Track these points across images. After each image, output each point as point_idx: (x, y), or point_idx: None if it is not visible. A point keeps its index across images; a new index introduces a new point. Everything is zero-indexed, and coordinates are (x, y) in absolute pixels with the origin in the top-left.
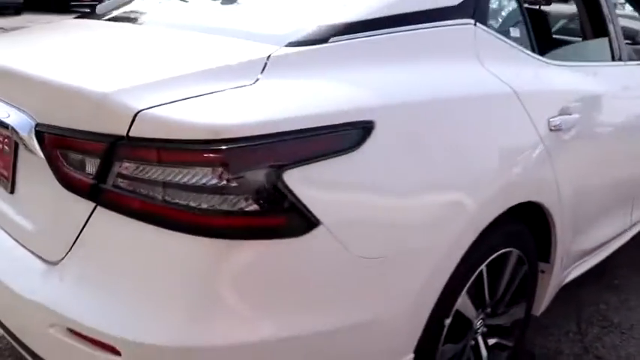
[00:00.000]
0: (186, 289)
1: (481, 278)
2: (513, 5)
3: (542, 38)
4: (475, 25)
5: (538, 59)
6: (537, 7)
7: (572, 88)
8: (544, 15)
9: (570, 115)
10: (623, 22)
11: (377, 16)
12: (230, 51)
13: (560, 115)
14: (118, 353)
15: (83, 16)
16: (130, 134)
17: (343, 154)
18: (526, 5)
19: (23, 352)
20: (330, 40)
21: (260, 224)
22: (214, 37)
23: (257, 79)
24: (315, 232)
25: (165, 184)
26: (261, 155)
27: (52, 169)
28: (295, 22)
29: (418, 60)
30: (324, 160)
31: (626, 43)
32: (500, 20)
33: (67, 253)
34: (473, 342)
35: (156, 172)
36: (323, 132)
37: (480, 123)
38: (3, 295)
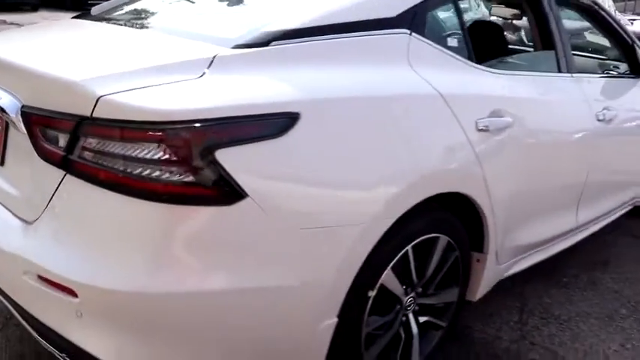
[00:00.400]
0: (134, 245)
1: (407, 258)
2: (453, 18)
3: (497, 49)
4: (410, 34)
5: (473, 66)
6: (510, 20)
7: (505, 94)
8: (499, 28)
9: (502, 117)
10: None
11: (317, 24)
12: (184, 50)
13: (489, 117)
14: (75, 295)
15: (79, 16)
16: (93, 115)
17: (271, 139)
18: (488, 18)
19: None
20: (271, 44)
21: (196, 193)
22: (175, 38)
23: (203, 74)
24: (242, 203)
25: (121, 157)
26: (197, 136)
27: (32, 143)
28: (244, 27)
29: (351, 63)
30: (253, 142)
31: (598, 57)
32: (438, 31)
33: (41, 214)
34: (404, 318)
35: (113, 147)
36: (253, 119)
37: (402, 119)
38: None
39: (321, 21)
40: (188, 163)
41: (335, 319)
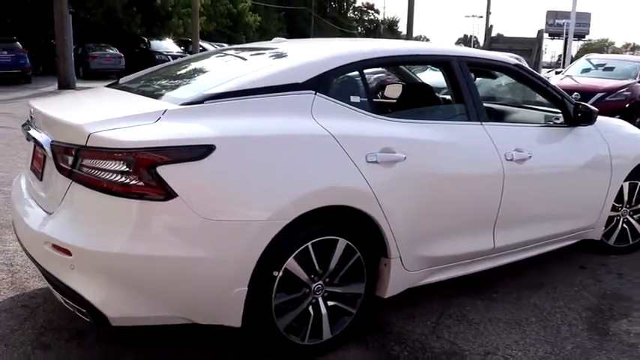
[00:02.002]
0: (106, 223)
1: (309, 252)
2: (357, 81)
3: (407, 103)
4: (315, 94)
5: (371, 116)
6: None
7: (400, 137)
8: (427, 86)
9: (394, 153)
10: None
11: (242, 88)
12: (150, 106)
13: (381, 152)
14: (70, 254)
15: (109, 85)
16: (87, 144)
17: (194, 161)
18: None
19: (32, 261)
20: (205, 102)
21: (146, 192)
22: (147, 99)
23: (157, 120)
24: (175, 200)
25: (103, 170)
26: (145, 158)
27: (54, 163)
28: (192, 91)
29: (265, 115)
30: (182, 162)
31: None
32: (342, 91)
33: (57, 207)
34: (314, 300)
35: (98, 164)
36: (182, 148)
37: (299, 151)
38: (27, 230)
39: (245, 86)
40: (140, 174)
41: (245, 288)
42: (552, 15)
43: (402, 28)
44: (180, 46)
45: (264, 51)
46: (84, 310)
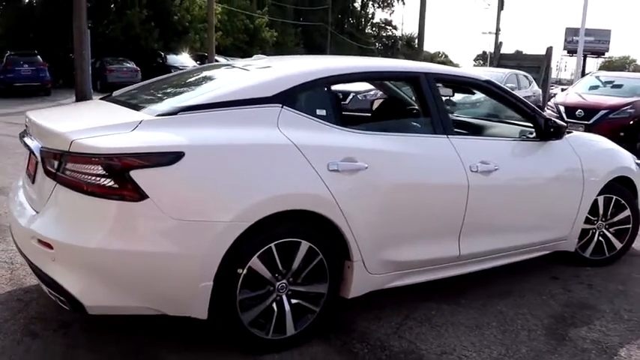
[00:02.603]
0: (85, 221)
1: (272, 253)
2: (324, 96)
3: (389, 115)
4: (282, 107)
5: (335, 128)
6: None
7: (362, 147)
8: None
9: (355, 162)
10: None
11: (213, 101)
12: (128, 116)
13: (342, 161)
14: (51, 247)
15: (103, 97)
16: (69, 150)
17: (165, 166)
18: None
19: (22, 256)
20: (178, 114)
21: (120, 194)
22: (128, 110)
23: (133, 129)
24: (146, 201)
25: (83, 173)
26: (120, 162)
27: (42, 167)
28: (169, 104)
29: (234, 126)
30: (153, 167)
31: (522, 125)
32: (308, 104)
33: (44, 206)
34: (278, 297)
35: (79, 167)
36: (153, 155)
37: (263, 159)
38: (18, 228)
39: (216, 99)
40: (116, 177)
41: (211, 283)
42: (571, 32)
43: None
44: (196, 61)
45: (244, 67)
46: (64, 299)
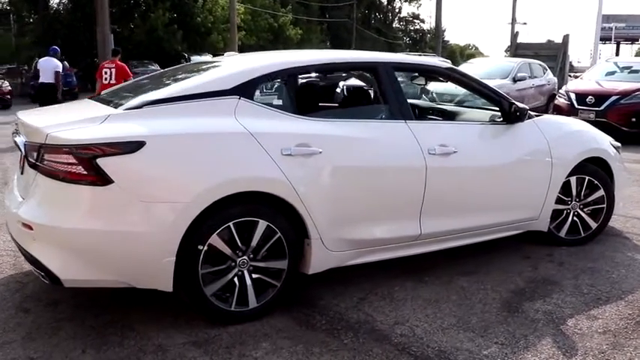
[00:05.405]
0: (60, 204)
1: (231, 231)
2: (281, 87)
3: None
4: (239, 99)
5: (290, 116)
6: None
7: (317, 133)
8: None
9: (309, 147)
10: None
11: (175, 95)
12: (100, 111)
13: (296, 147)
14: (32, 229)
15: (91, 97)
16: (46, 142)
17: (128, 154)
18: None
19: (12, 240)
20: (143, 107)
21: (89, 179)
22: (101, 105)
23: (101, 123)
24: (111, 185)
25: (57, 162)
26: (87, 151)
27: (26, 159)
28: (137, 99)
29: (193, 116)
30: (118, 155)
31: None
32: (265, 95)
33: (28, 194)
34: (240, 272)
35: (54, 157)
36: (117, 144)
37: (219, 146)
38: (9, 214)
39: (178, 93)
40: (84, 165)
41: (173, 258)
42: (604, 19)
43: (449, 36)
44: None
45: (214, 64)
46: (43, 274)
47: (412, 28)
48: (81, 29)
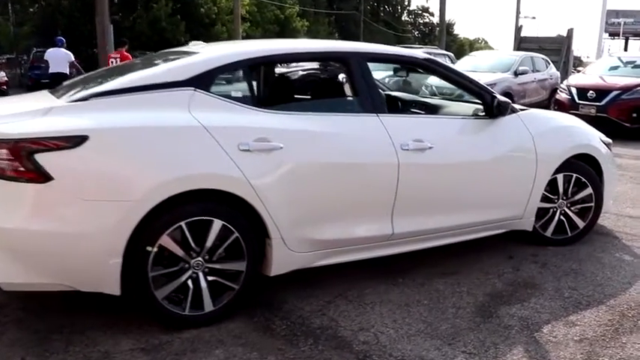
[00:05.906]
0: (5, 203)
1: (183, 230)
2: (242, 78)
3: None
4: (195, 90)
5: (249, 109)
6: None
7: (278, 127)
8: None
9: (269, 142)
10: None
11: (125, 87)
12: (44, 103)
13: (254, 142)
14: None
15: (50, 89)
16: None
17: (70, 149)
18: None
19: None
20: (89, 100)
21: (28, 176)
22: (52, 98)
23: (43, 116)
24: (51, 182)
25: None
26: (25, 146)
27: None
28: (86, 91)
29: (144, 109)
30: (57, 150)
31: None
32: (222, 87)
33: None
34: (194, 274)
35: None
36: (58, 138)
37: (169, 141)
38: None
39: (127, 84)
40: (22, 161)
41: (120, 260)
42: (612, 14)
43: (458, 30)
44: None
45: (175, 55)
46: None
47: (421, 22)
48: (81, 19)
